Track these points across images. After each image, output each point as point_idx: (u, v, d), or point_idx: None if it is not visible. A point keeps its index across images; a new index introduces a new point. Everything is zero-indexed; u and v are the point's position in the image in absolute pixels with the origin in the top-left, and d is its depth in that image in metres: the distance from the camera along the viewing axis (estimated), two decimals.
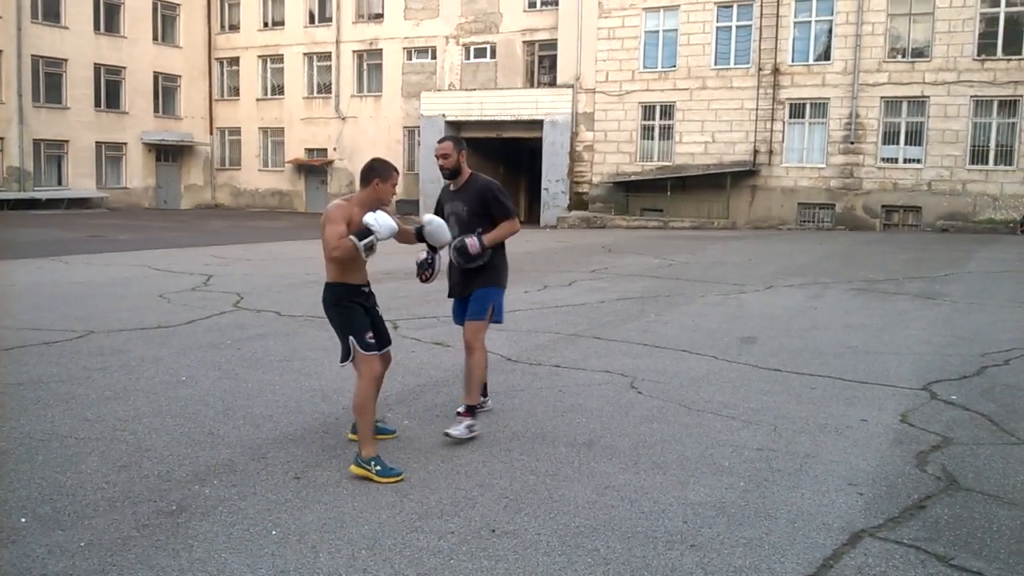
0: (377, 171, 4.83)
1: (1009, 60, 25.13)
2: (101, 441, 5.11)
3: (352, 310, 4.85)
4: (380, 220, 4.65)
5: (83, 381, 6.55)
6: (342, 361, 4.91)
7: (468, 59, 34.00)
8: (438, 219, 5.19)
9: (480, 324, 5.42)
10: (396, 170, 4.96)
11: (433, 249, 5.27)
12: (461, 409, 5.35)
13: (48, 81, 33.89)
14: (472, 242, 5.27)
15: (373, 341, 4.82)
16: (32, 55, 32.97)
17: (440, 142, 5.51)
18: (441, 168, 5.45)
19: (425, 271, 5.38)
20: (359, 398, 4.74)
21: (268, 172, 38.98)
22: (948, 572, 3.56)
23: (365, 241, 4.64)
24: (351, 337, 4.81)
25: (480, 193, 5.41)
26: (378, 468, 4.56)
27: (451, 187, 5.54)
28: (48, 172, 34.37)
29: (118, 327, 8.80)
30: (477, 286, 5.43)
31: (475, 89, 32.72)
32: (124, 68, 36.23)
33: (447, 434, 5.18)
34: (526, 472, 4.71)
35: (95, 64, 35.13)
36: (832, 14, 26.97)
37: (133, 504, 4.16)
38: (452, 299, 5.68)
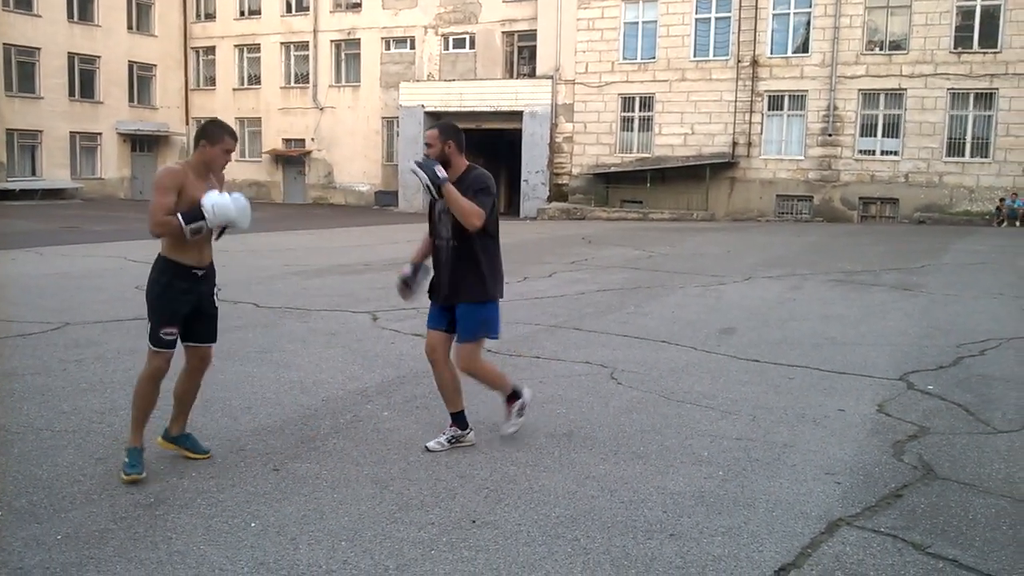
0: (206, 134, 4.36)
1: (985, 53, 25.36)
2: (77, 434, 5.06)
3: (167, 293, 4.38)
4: (217, 205, 4.21)
5: (59, 373, 6.49)
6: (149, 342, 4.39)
7: (447, 49, 33.89)
8: (218, 197, 4.32)
9: (472, 347, 4.86)
10: (232, 134, 4.44)
11: None
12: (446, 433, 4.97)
13: (21, 70, 33.47)
14: (439, 170, 4.56)
15: (170, 337, 4.37)
16: (4, 44, 32.55)
17: (428, 129, 4.95)
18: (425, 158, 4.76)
19: (407, 288, 4.94)
20: (135, 388, 4.44)
21: (245, 163, 38.68)
22: (924, 560, 3.59)
23: (193, 225, 4.21)
24: (149, 323, 4.39)
25: (469, 187, 4.66)
26: (125, 460, 4.33)
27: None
28: (22, 162, 33.97)
29: (94, 319, 8.72)
30: (464, 298, 4.77)
31: (454, 80, 32.64)
32: (98, 57, 35.84)
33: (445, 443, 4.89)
34: (506, 463, 4.71)
35: (69, 53, 34.74)
36: (810, 6, 27.10)
37: (110, 497, 4.13)
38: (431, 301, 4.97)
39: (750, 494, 4.29)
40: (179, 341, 4.50)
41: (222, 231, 4.40)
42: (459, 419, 4.98)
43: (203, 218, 4.20)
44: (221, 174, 4.53)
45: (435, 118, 31.73)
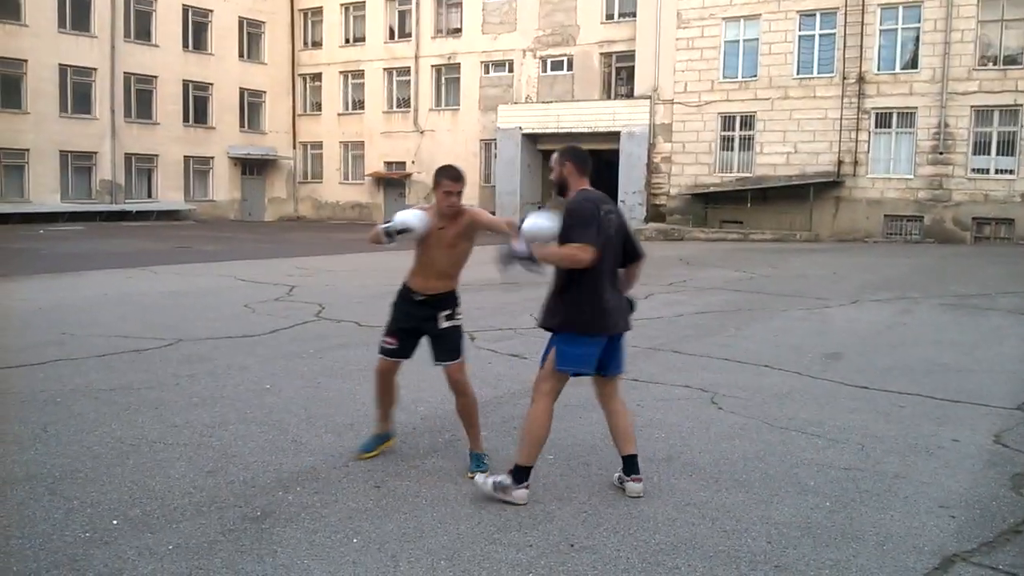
0: (434, 178, 4.94)
1: None
2: (189, 447, 5.24)
3: (394, 309, 5.09)
4: (403, 213, 4.90)
5: (171, 388, 6.74)
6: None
7: (545, 72, 34.10)
8: (537, 221, 4.41)
9: (541, 372, 4.61)
10: (448, 176, 4.79)
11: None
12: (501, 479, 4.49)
13: (139, 97, 35.13)
14: (517, 245, 4.35)
15: (388, 346, 5.03)
16: (124, 72, 34.24)
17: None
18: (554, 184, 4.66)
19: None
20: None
21: (348, 185, 39.67)
22: None
23: (384, 226, 4.91)
24: None
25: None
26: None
27: None
28: (138, 185, 35.60)
29: (205, 336, 9.04)
30: (552, 324, 4.55)
31: (552, 101, 32.79)
32: (211, 84, 37.35)
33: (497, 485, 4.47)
34: (605, 487, 4.67)
35: (183, 80, 36.31)
36: (919, 21, 26.24)
37: (219, 509, 4.26)
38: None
39: (859, 526, 4.14)
40: (408, 356, 5.11)
41: (389, 236, 4.88)
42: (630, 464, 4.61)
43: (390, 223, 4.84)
44: (479, 214, 4.98)
45: (532, 140, 32.00)
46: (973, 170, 25.94)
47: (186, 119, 36.65)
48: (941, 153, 26.11)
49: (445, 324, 4.93)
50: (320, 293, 12.68)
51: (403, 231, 4.82)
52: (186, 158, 36.76)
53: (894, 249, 24.00)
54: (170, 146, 35.95)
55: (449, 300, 4.97)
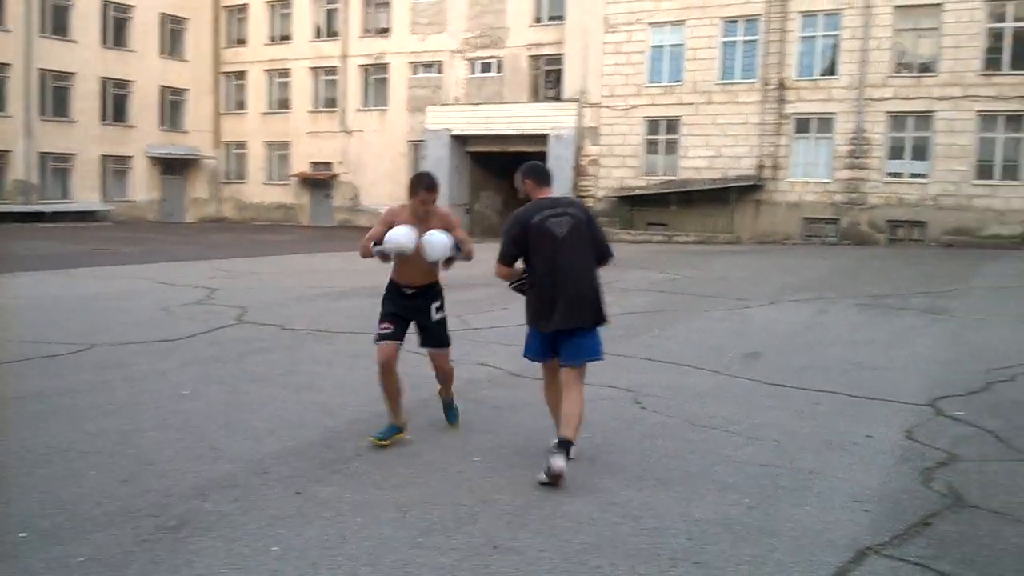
0: (409, 186, 5.28)
1: (1015, 75, 25.11)
2: (102, 455, 5.09)
3: (383, 301, 5.42)
4: (394, 236, 5.09)
5: (85, 394, 6.54)
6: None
7: (474, 73, 34.10)
8: (395, 230, 5.15)
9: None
10: (424, 186, 5.20)
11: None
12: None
13: (55, 95, 34.06)
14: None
15: (385, 331, 5.30)
16: (39, 68, 33.16)
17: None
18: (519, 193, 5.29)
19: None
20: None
21: (273, 186, 39.07)
22: None
23: (376, 249, 5.18)
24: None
25: None
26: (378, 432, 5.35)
27: None
28: (54, 185, 34.50)
29: (121, 340, 8.80)
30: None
31: (481, 103, 32.81)
32: (131, 82, 36.42)
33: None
34: (529, 487, 4.68)
35: (102, 78, 35.33)
36: (838, 29, 27.00)
37: (134, 519, 4.14)
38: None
39: (776, 522, 4.23)
40: (402, 340, 5.35)
41: (450, 261, 5.25)
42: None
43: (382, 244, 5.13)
44: (450, 219, 5.41)
45: (461, 141, 31.96)
46: (888, 174, 26.79)
47: (104, 117, 35.66)
48: (858, 158, 26.90)
49: (436, 316, 5.45)
50: (242, 296, 12.45)
51: (399, 254, 5.16)
52: (104, 157, 35.76)
53: (812, 251, 24.64)
54: (87, 145, 34.93)
55: (437, 292, 5.49)
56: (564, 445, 4.73)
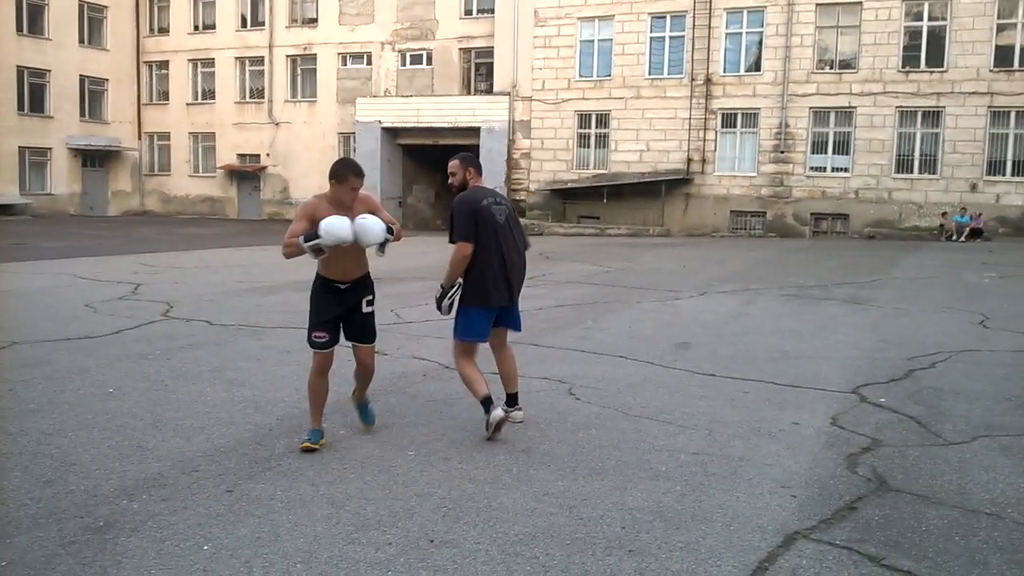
0: (334, 173, 5.04)
1: (932, 72, 25.95)
2: (24, 456, 4.93)
3: (317, 301, 5.20)
4: (331, 226, 4.82)
5: (5, 394, 6.32)
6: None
7: (404, 65, 33.86)
8: (330, 220, 4.94)
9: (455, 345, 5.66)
10: (357, 173, 5.07)
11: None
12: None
13: None
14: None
15: (320, 340, 5.15)
16: None
17: (450, 160, 5.59)
18: (450, 185, 5.57)
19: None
20: (307, 382, 5.30)
21: (199, 178, 38.24)
22: (879, 572, 3.63)
23: (309, 244, 4.88)
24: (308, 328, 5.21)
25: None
26: (305, 435, 5.21)
27: None
28: None
29: (42, 338, 8.52)
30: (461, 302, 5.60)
31: (411, 96, 32.61)
32: (48, 71, 35.20)
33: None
34: (464, 480, 4.68)
35: (18, 67, 34.06)
36: (762, 26, 27.53)
37: (58, 521, 4.02)
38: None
39: (707, 509, 4.31)
40: (338, 341, 5.24)
41: (384, 244, 5.05)
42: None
43: (317, 237, 4.82)
44: (372, 201, 5.25)
45: (392, 134, 31.75)
46: (811, 168, 27.46)
47: (21, 107, 34.40)
48: (782, 152, 27.50)
49: (367, 309, 5.30)
50: (168, 291, 12.17)
51: (339, 245, 4.91)
52: (21, 149, 34.52)
53: (739, 243, 25.12)
54: (3, 137, 33.65)
55: (369, 284, 5.35)
56: (514, 399, 5.73)
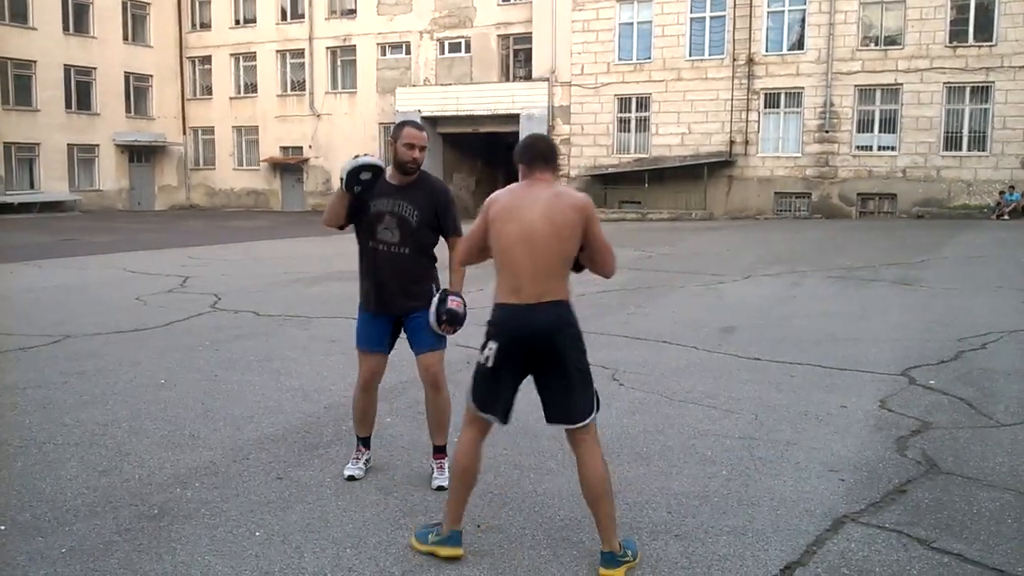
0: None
1: (980, 47, 25.35)
2: (80, 446, 5.06)
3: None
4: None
5: (60, 386, 6.48)
6: (589, 417, 3.63)
7: (443, 54, 33.90)
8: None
9: (442, 354, 4.52)
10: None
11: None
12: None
13: (17, 83, 33.44)
14: (456, 301, 4.32)
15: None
16: (1, 57, 32.54)
17: (416, 128, 4.40)
18: (413, 162, 4.32)
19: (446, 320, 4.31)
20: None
21: (243, 171, 38.70)
22: (929, 555, 3.59)
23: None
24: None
25: (436, 196, 4.40)
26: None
27: (389, 178, 4.40)
28: (20, 175, 33.94)
29: (94, 331, 8.71)
30: (421, 304, 4.39)
31: (450, 84, 32.64)
32: (94, 69, 35.83)
33: (441, 487, 4.33)
34: (510, 467, 4.71)
35: (65, 65, 34.71)
36: (805, 3, 27.09)
37: (114, 509, 4.13)
38: (368, 313, 4.49)
39: (754, 493, 4.29)
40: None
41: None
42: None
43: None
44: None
45: (432, 123, 31.78)
46: (857, 147, 27.00)
47: (68, 105, 35.07)
48: (827, 131, 27.08)
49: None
50: (215, 283, 12.35)
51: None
52: (70, 146, 35.22)
53: (784, 225, 24.81)
54: (52, 134, 34.35)
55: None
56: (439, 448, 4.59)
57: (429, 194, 4.41)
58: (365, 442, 4.66)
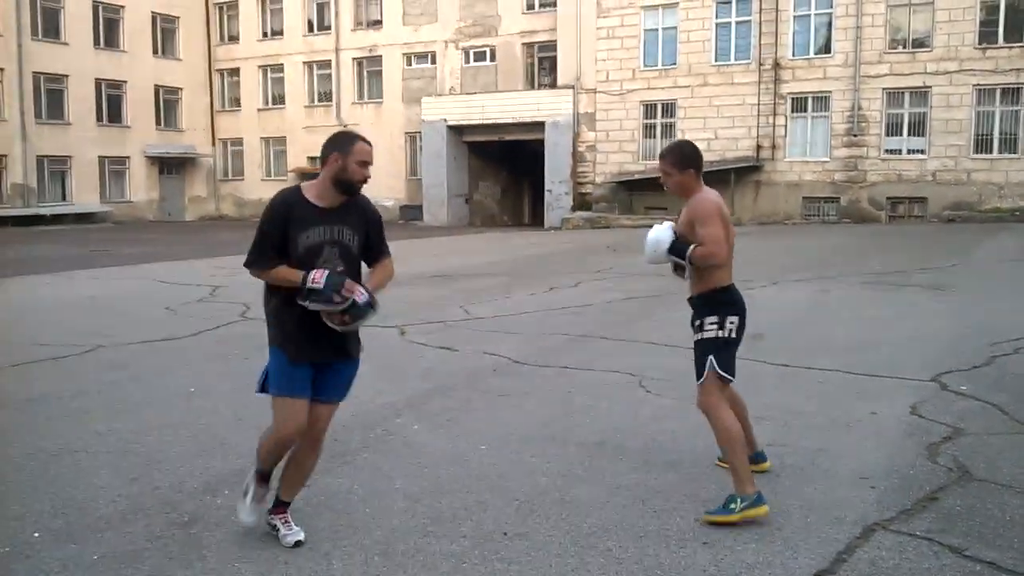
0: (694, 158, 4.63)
1: (1011, 48, 25.02)
2: (112, 454, 5.12)
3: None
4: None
5: (93, 395, 6.57)
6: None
7: (468, 63, 34.02)
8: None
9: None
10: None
11: None
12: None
13: (50, 97, 33.97)
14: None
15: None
16: (33, 72, 33.06)
17: (367, 143, 3.78)
18: (363, 181, 3.75)
19: None
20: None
21: (271, 182, 38.95)
22: (961, 563, 3.54)
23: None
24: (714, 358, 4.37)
25: (369, 215, 3.87)
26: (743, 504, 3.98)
27: (317, 203, 3.71)
28: (52, 188, 34.46)
29: (126, 341, 8.82)
30: (353, 353, 3.97)
31: (476, 93, 32.73)
32: (125, 82, 36.32)
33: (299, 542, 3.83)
34: (537, 474, 4.70)
35: (96, 79, 35.22)
36: (831, 7, 26.89)
37: (145, 516, 4.17)
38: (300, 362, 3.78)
39: (784, 500, 4.26)
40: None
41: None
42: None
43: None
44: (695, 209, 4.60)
45: (458, 132, 31.91)
46: (886, 151, 26.72)
47: (99, 118, 35.57)
48: (855, 135, 26.85)
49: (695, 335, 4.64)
50: (245, 292, 12.42)
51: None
52: (101, 159, 35.70)
53: (813, 230, 24.62)
54: (84, 147, 34.86)
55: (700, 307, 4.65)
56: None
57: (362, 214, 3.83)
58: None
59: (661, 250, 4.49)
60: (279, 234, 3.69)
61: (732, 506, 3.97)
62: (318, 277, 3.60)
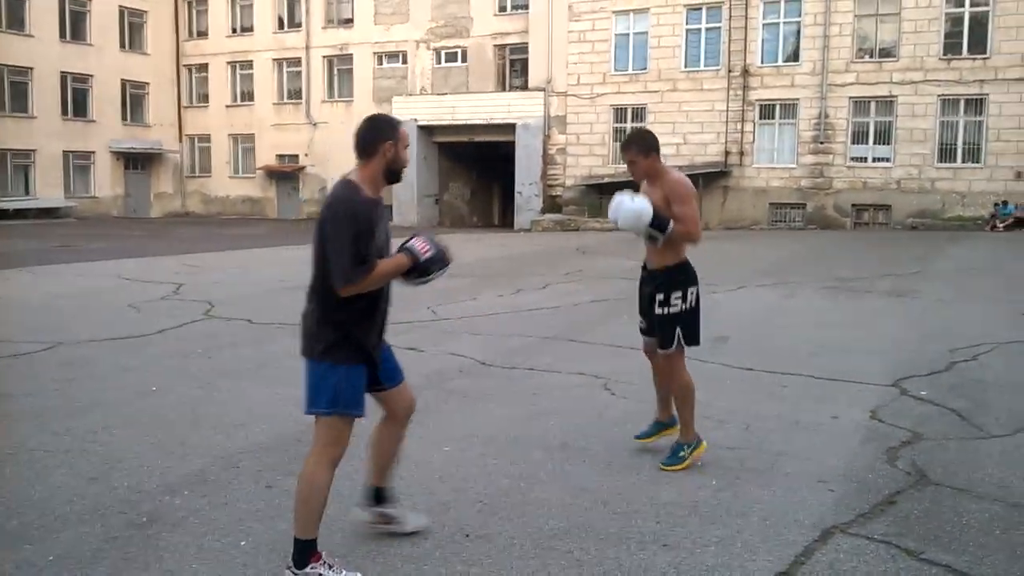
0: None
1: (974, 59, 25.45)
2: (70, 454, 5.05)
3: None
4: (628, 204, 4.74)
5: (51, 393, 6.47)
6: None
7: (439, 63, 33.96)
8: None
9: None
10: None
11: None
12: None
13: (13, 90, 33.45)
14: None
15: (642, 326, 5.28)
16: None
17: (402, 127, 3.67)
18: (402, 173, 3.64)
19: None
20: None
21: (239, 179, 38.69)
22: (918, 566, 3.59)
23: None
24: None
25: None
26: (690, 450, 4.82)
27: (369, 193, 3.57)
28: (15, 182, 33.92)
29: (87, 338, 8.70)
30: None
31: (447, 93, 32.70)
32: (91, 76, 35.84)
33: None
34: (500, 476, 4.70)
35: (61, 72, 34.72)
36: (800, 16, 27.19)
37: (103, 516, 4.12)
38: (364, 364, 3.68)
39: (743, 503, 4.29)
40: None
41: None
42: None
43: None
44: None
45: (428, 132, 31.83)
46: (852, 159, 27.07)
47: (65, 112, 35.07)
48: (822, 143, 27.15)
49: (658, 310, 5.01)
50: (209, 291, 12.34)
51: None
52: (66, 153, 35.20)
53: (779, 236, 24.86)
54: (48, 140, 34.34)
55: (663, 279, 5.07)
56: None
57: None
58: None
59: (643, 222, 4.69)
60: (370, 233, 3.46)
61: (682, 454, 4.78)
62: (421, 245, 3.51)
